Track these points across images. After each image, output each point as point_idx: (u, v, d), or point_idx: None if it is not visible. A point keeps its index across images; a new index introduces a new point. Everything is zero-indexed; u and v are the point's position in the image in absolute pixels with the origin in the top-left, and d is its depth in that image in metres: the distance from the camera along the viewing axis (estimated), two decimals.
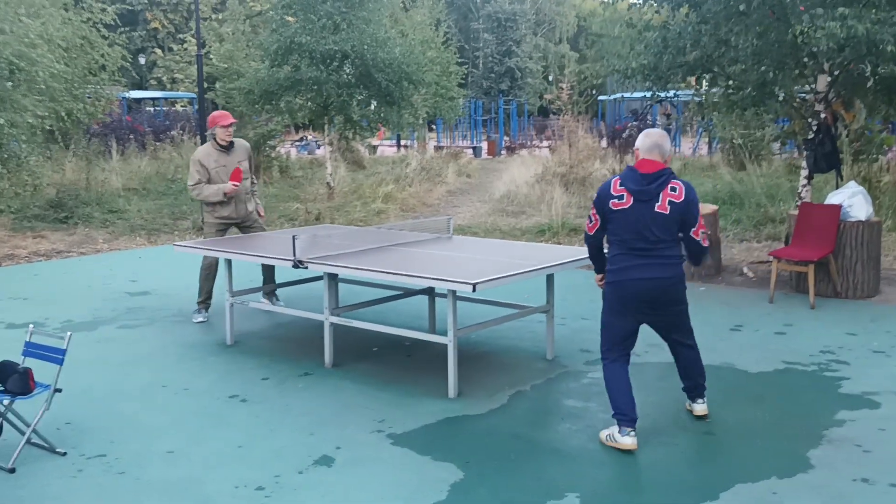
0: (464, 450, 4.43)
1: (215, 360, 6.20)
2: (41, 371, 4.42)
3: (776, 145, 17.01)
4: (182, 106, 40.39)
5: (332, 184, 15.78)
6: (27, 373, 4.28)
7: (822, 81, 8.51)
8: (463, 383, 5.38)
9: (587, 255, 5.77)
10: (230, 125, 7.28)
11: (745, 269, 9.20)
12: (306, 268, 5.71)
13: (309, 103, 15.08)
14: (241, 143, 7.50)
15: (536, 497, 3.86)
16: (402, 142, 32.70)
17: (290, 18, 14.16)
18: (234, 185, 7.15)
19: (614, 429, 4.44)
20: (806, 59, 8.33)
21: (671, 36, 8.47)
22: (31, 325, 4.66)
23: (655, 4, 8.91)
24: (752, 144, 17.63)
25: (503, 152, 30.86)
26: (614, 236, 4.44)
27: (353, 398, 5.27)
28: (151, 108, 35.23)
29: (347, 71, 14.40)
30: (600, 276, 4.74)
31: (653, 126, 29.73)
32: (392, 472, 4.15)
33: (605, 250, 4.66)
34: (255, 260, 6.22)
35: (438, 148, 28.47)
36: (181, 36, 46.33)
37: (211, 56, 47.52)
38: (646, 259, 4.36)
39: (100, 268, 10.22)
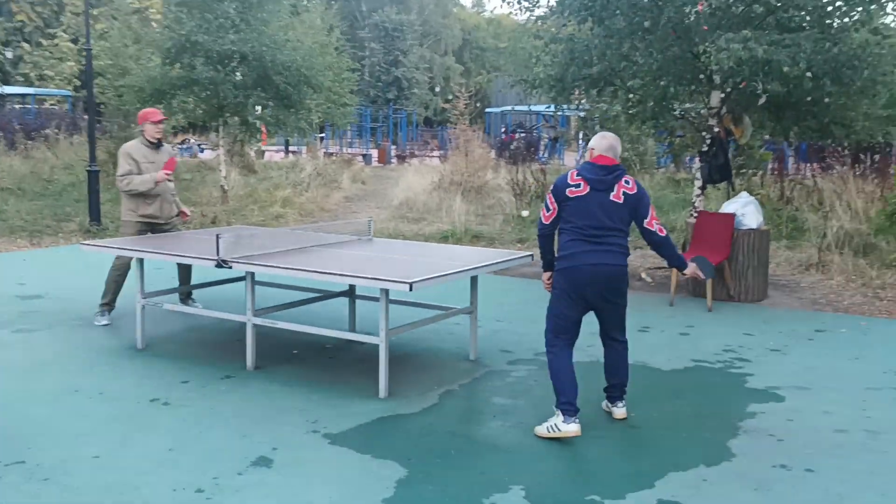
0: (403, 448, 4.44)
1: (128, 363, 5.94)
2: None
3: (666, 158, 17.81)
4: (52, 104, 38.37)
5: (226, 187, 15.38)
6: None
7: (716, 97, 9.02)
8: (392, 384, 5.37)
9: (511, 258, 5.94)
10: (160, 122, 7.08)
11: (644, 275, 9.61)
12: (230, 267, 5.57)
13: (203, 104, 14.65)
14: (167, 147, 7.32)
15: (483, 491, 3.92)
16: (291, 147, 32.23)
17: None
18: (166, 173, 6.93)
19: (556, 419, 4.55)
20: (702, 77, 8.81)
21: (578, 48, 8.78)
22: None
23: (563, 18, 9.19)
24: (637, 158, 18.42)
25: (393, 160, 30.95)
26: (568, 224, 4.59)
27: (283, 400, 5.18)
28: (20, 106, 33.22)
29: (243, 72, 14.10)
30: (548, 274, 4.86)
31: (538, 138, 30.67)
32: (335, 471, 4.12)
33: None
34: (176, 260, 6.02)
35: (328, 154, 28.25)
36: (50, 30, 44.04)
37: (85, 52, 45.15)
38: (598, 245, 4.54)
39: None
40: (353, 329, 6.66)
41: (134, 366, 5.89)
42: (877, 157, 13.70)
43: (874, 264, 9.58)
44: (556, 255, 4.75)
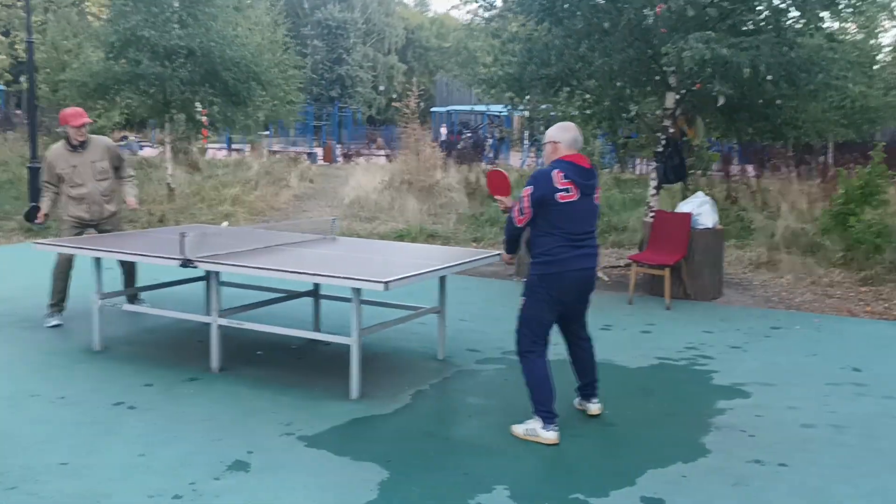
0: (381, 449, 4.37)
1: (86, 366, 5.73)
2: None
3: (611, 159, 18.08)
4: None
5: (172, 185, 15.03)
6: None
7: (670, 99, 9.16)
8: (361, 384, 5.29)
9: (481, 257, 5.92)
10: (82, 126, 6.79)
11: (601, 274, 9.70)
12: (195, 267, 5.42)
13: (149, 100, 14.30)
14: (100, 142, 7.00)
15: (466, 491, 3.89)
16: (234, 145, 31.69)
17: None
18: (39, 222, 6.95)
19: (535, 424, 4.53)
20: (657, 78, 8.94)
21: (536, 48, 8.82)
22: None
23: (521, 18, 9.22)
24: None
25: (339, 159, 30.69)
26: (556, 228, 4.43)
27: (252, 402, 5.06)
28: None
29: (191, 68, 13.80)
30: (511, 255, 4.83)
31: (484, 138, 30.78)
32: (314, 474, 4.03)
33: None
34: (140, 259, 5.83)
35: (272, 152, 27.85)
36: None
37: (16, 46, 43.57)
38: (582, 249, 4.51)
39: None
40: (317, 329, 6.56)
41: (92, 369, 5.69)
42: (821, 158, 14.12)
43: (821, 263, 9.86)
44: (534, 258, 4.59)
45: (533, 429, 4.53)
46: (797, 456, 4.42)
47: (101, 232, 6.96)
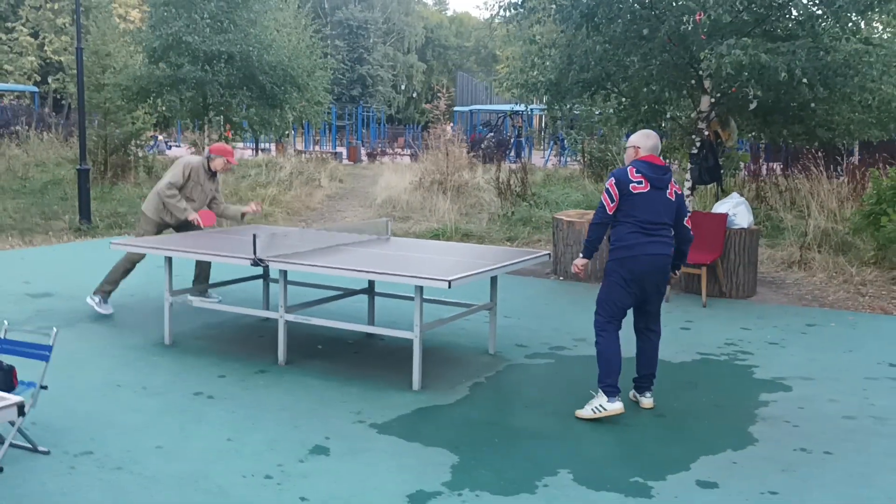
0: (448, 436, 4.69)
1: (161, 359, 6.09)
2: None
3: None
4: (11, 99, 37.68)
5: None
6: (11, 371, 4.14)
7: (705, 102, 9.41)
8: (421, 377, 5.61)
9: (532, 257, 6.22)
10: (232, 166, 7.93)
11: None
12: (266, 266, 5.76)
13: (189, 103, 14.70)
14: (219, 177, 7.60)
15: (534, 474, 4.19)
16: (261, 146, 32.15)
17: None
18: (200, 223, 7.20)
19: (600, 399, 4.92)
20: (693, 82, 9.19)
21: (577, 54, 9.09)
22: (6, 322, 4.48)
23: (558, 25, 9.49)
24: (610, 158, 18.84)
25: (364, 159, 31.06)
26: (630, 217, 4.90)
27: (322, 393, 5.39)
28: None
29: (228, 72, 14.18)
30: (585, 261, 5.12)
31: (505, 137, 31.03)
32: (391, 458, 4.35)
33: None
34: (210, 258, 6.17)
35: (299, 152, 28.27)
36: (9, 25, 43.21)
37: (46, 48, 44.20)
38: (654, 237, 4.91)
39: None
40: (371, 324, 6.88)
41: (166, 361, 6.04)
42: (851, 159, 14.27)
43: (853, 262, 10.06)
44: (611, 246, 5.02)
45: (599, 405, 4.91)
46: (842, 445, 4.68)
47: (178, 228, 7.38)
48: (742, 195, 12.19)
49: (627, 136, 18.11)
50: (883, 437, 4.81)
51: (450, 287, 5.10)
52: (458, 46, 72.93)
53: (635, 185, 4.90)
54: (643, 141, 5.07)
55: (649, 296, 5.05)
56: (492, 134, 32.53)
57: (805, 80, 7.45)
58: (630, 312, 5.16)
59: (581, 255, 5.15)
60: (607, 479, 4.17)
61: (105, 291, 7.32)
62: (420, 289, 5.39)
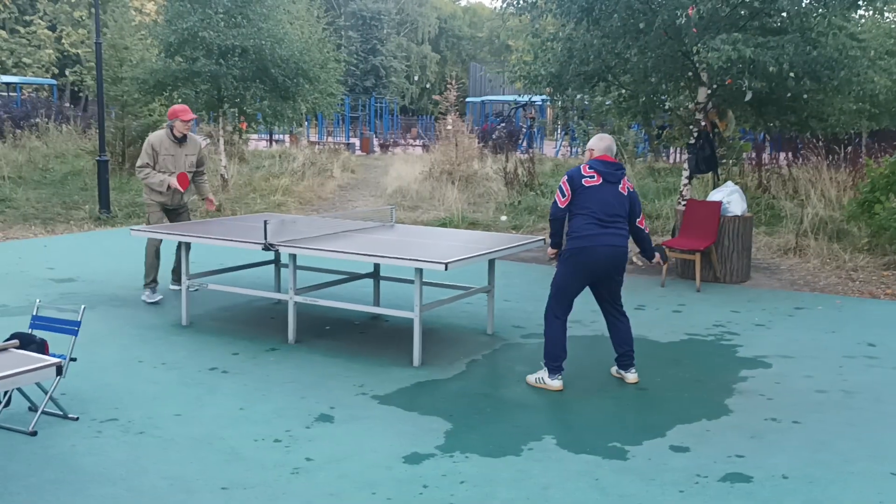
0: (444, 406, 5.07)
1: (178, 338, 6.50)
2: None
3: (643, 148, 18.56)
4: (30, 92, 38.29)
5: (226, 176, 15.86)
6: (44, 344, 4.54)
7: (702, 93, 9.70)
8: (422, 354, 5.98)
9: (527, 242, 6.60)
10: (190, 120, 7.56)
11: (635, 259, 10.28)
12: (277, 251, 6.15)
13: (204, 96, 15.10)
14: (195, 139, 7.80)
15: (520, 439, 4.56)
16: (275, 137, 32.59)
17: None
18: (179, 187, 7.50)
19: (543, 373, 5.44)
20: (690, 74, 9.49)
21: (576, 47, 9.41)
22: (38, 300, 4.89)
23: (561, 18, 9.80)
24: (619, 148, 19.12)
25: (376, 149, 31.44)
26: (583, 210, 5.29)
27: (328, 368, 5.78)
28: (6, 94, 33.18)
29: (241, 65, 14.54)
30: (555, 250, 5.56)
31: (517, 127, 31.30)
32: (390, 425, 4.74)
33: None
34: (225, 244, 6.54)
35: (312, 143, 28.67)
36: (27, 17, 43.80)
37: (63, 41, 44.64)
38: (608, 229, 5.30)
39: (6, 256, 10.03)
40: (377, 305, 7.26)
41: (184, 340, 6.46)
42: (849, 148, 14.50)
43: (847, 248, 10.34)
44: (568, 236, 5.41)
45: (541, 377, 5.43)
46: (810, 416, 5.02)
47: (173, 216, 7.76)
48: (739, 184, 12.50)
49: (635, 127, 18.38)
50: (849, 409, 5.15)
51: (446, 269, 5.47)
52: (472, 37, 73.06)
53: (587, 179, 5.29)
54: (597, 144, 5.48)
55: (601, 281, 5.45)
56: (503, 124, 32.88)
57: (792, 74, 7.75)
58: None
59: (549, 244, 5.60)
60: (587, 443, 4.54)
61: (148, 283, 7.69)
62: (420, 271, 5.76)
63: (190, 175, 7.67)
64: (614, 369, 5.73)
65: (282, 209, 14.25)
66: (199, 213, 12.50)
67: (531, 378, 5.51)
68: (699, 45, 7.87)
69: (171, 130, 7.53)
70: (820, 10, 8.04)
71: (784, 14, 8.14)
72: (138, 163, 7.53)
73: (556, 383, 5.39)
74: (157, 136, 7.57)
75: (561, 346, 5.41)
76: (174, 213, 7.79)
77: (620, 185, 5.39)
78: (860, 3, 7.99)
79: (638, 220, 5.47)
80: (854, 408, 5.19)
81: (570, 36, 9.59)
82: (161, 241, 7.59)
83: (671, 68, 9.23)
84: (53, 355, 4.60)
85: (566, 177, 5.38)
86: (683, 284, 9.00)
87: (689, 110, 10.11)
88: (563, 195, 5.35)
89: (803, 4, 8.13)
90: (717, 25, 8.66)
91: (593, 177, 5.32)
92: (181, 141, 7.57)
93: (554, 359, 5.40)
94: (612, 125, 18.19)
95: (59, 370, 3.12)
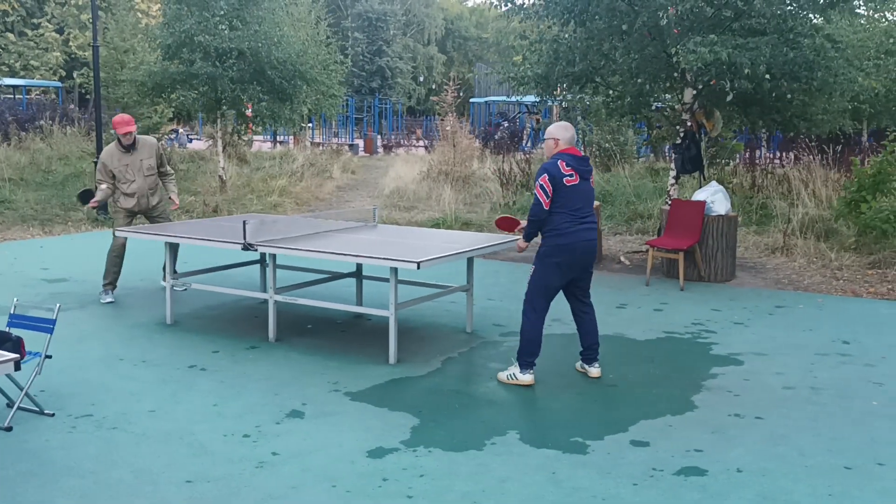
0: (413, 403, 5.17)
1: (161, 337, 6.63)
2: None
3: (645, 149, 18.61)
4: (37, 94, 38.59)
5: (224, 177, 16.01)
6: (20, 341, 4.66)
7: (688, 94, 9.78)
8: (399, 352, 6.09)
9: (503, 241, 6.69)
10: (127, 134, 7.67)
11: (622, 258, 10.37)
12: (256, 250, 6.26)
13: (202, 98, 15.26)
14: (147, 141, 7.92)
15: (484, 435, 4.66)
16: (278, 137, 32.77)
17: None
18: (92, 206, 7.92)
19: (515, 369, 5.52)
20: (676, 75, 9.56)
21: (562, 49, 9.50)
22: (16, 299, 5.02)
23: (547, 20, 9.89)
24: (618, 148, 19.19)
25: (380, 150, 31.57)
26: (564, 208, 5.33)
27: (305, 366, 5.89)
28: (12, 96, 33.49)
29: (238, 67, 14.69)
30: (526, 245, 5.67)
31: (521, 128, 31.37)
32: (358, 420, 4.85)
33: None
34: (205, 244, 6.67)
35: (315, 144, 28.84)
36: (35, 20, 44.16)
37: (70, 43, 44.92)
38: (584, 223, 5.40)
39: (2, 256, 10.19)
40: (359, 305, 7.37)
41: (166, 338, 6.58)
42: (839, 147, 14.54)
43: (834, 247, 10.40)
44: (546, 234, 5.45)
45: (513, 373, 5.51)
46: (773, 411, 5.10)
47: (150, 219, 7.91)
48: (732, 184, 12.56)
49: (640, 125, 18.44)
50: (813, 405, 5.23)
51: (419, 268, 5.57)
52: (478, 37, 73.17)
53: (568, 178, 5.33)
54: (562, 133, 5.46)
55: (579, 275, 5.53)
56: (506, 124, 32.95)
57: (767, 76, 7.81)
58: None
59: (523, 238, 5.68)
60: (549, 438, 4.63)
61: (105, 284, 7.85)
62: (395, 270, 5.86)
63: (150, 177, 7.79)
64: (578, 364, 5.83)
65: (278, 210, 14.39)
66: (191, 213, 12.66)
67: (502, 375, 5.60)
68: (679, 46, 7.95)
69: (119, 141, 7.71)
70: (789, 9, 8.09)
71: (760, 16, 8.20)
72: (96, 178, 7.78)
73: (527, 378, 5.49)
74: (106, 152, 7.76)
75: (536, 343, 5.49)
76: (150, 217, 7.94)
77: (592, 180, 5.53)
78: (835, 4, 8.04)
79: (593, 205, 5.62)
80: (818, 403, 5.27)
81: (557, 38, 9.68)
82: (124, 245, 7.74)
83: (656, 69, 9.31)
84: (29, 353, 4.75)
85: (546, 174, 5.29)
86: (668, 283, 9.08)
87: (675, 111, 10.18)
88: (547, 195, 5.31)
89: (776, 7, 8.18)
90: (701, 26, 8.74)
91: (572, 175, 5.33)
92: (131, 148, 7.72)
93: (528, 355, 5.49)
94: (612, 124, 18.24)
95: (17, 366, 3.24)
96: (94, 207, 8.09)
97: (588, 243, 5.42)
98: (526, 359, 5.50)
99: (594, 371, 5.70)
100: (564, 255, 5.39)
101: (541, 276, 5.48)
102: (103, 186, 7.74)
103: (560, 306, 5.97)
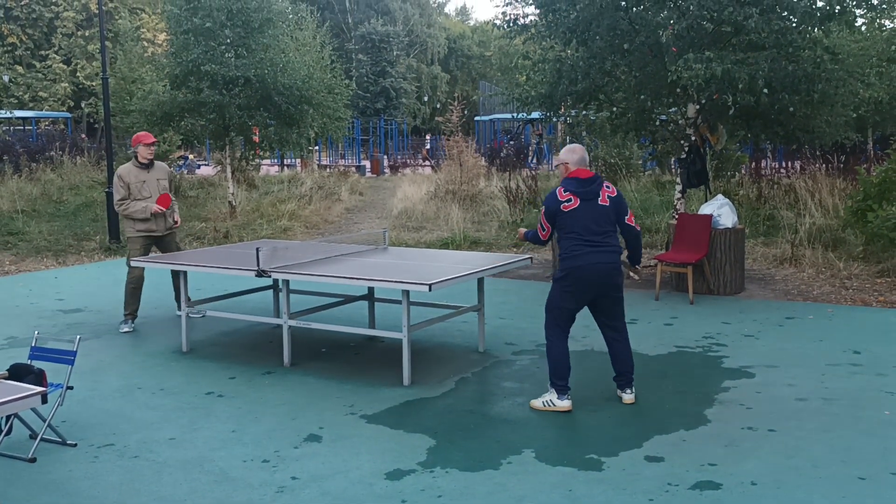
0: (429, 424, 5.23)
1: (178, 364, 6.72)
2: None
3: (651, 163, 18.69)
4: (46, 125, 38.98)
5: (234, 203, 16.16)
6: (42, 373, 4.76)
7: (692, 109, 9.87)
8: (413, 373, 6.15)
9: (512, 261, 6.77)
10: (152, 144, 7.85)
11: (631, 273, 10.42)
12: (270, 276, 6.36)
13: (210, 125, 15.43)
14: (161, 165, 8.08)
15: (500, 454, 4.72)
16: (286, 161, 33.00)
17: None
18: (160, 208, 7.72)
19: (551, 395, 5.42)
20: (678, 91, 9.66)
21: (565, 68, 9.62)
22: (37, 332, 5.12)
23: (548, 41, 10.01)
24: (623, 163, 19.28)
25: (386, 171, 31.75)
26: (569, 232, 5.35)
27: (321, 390, 5.97)
28: (22, 128, 33.84)
29: (245, 94, 14.87)
30: (523, 237, 5.78)
31: (527, 143, 31.49)
32: (375, 443, 4.91)
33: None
34: (219, 272, 6.76)
35: (322, 167, 29.03)
36: (42, 52, 44.69)
37: (78, 74, 45.39)
38: (596, 247, 5.33)
39: (17, 288, 10.32)
40: (372, 327, 7.45)
41: (183, 366, 6.67)
42: (843, 157, 14.59)
43: (842, 257, 10.43)
44: (560, 258, 5.49)
45: (549, 399, 5.43)
46: (786, 423, 5.15)
47: (163, 245, 7.97)
48: (738, 196, 12.62)
49: (643, 140, 18.52)
50: (825, 416, 5.27)
51: (430, 290, 5.65)
52: (481, 55, 73.60)
53: (566, 203, 5.33)
54: (570, 156, 5.47)
55: (597, 299, 5.49)
56: (512, 141, 33.10)
57: (766, 90, 7.90)
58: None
59: (526, 233, 5.80)
60: (565, 456, 4.69)
61: (126, 314, 7.94)
62: (406, 293, 5.94)
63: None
64: (618, 390, 5.71)
65: (287, 234, 14.50)
66: (202, 240, 12.78)
67: (537, 402, 5.47)
68: (678, 64, 8.05)
69: (137, 158, 7.80)
70: (787, 24, 8.17)
71: (761, 31, 8.29)
72: (116, 198, 7.79)
73: (564, 403, 5.37)
74: (124, 168, 7.84)
75: (564, 365, 5.40)
76: (161, 240, 7.99)
77: (600, 198, 5.38)
78: (833, 17, 8.13)
79: (626, 217, 5.46)
80: (831, 414, 5.30)
81: (559, 57, 9.80)
82: (142, 277, 7.81)
83: (658, 86, 9.40)
84: (51, 384, 4.84)
85: (544, 208, 5.44)
86: (677, 297, 9.12)
87: (678, 125, 10.26)
88: (544, 229, 5.48)
89: (780, 21, 8.28)
90: (702, 42, 8.84)
91: (570, 200, 5.33)
92: (148, 167, 7.83)
93: (559, 378, 5.39)
94: (618, 140, 18.33)
95: (44, 399, 3.33)
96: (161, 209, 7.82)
97: (599, 266, 5.33)
98: (558, 382, 5.40)
99: (627, 397, 5.61)
100: (573, 278, 5.37)
101: (553, 297, 5.51)
102: (134, 202, 7.68)
103: (575, 324, 6.02)
